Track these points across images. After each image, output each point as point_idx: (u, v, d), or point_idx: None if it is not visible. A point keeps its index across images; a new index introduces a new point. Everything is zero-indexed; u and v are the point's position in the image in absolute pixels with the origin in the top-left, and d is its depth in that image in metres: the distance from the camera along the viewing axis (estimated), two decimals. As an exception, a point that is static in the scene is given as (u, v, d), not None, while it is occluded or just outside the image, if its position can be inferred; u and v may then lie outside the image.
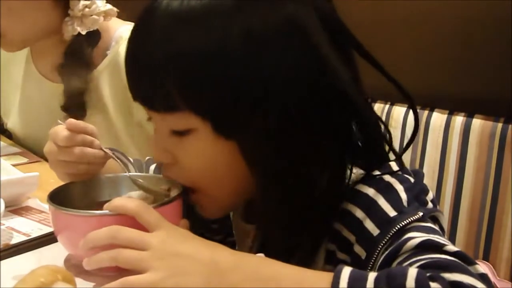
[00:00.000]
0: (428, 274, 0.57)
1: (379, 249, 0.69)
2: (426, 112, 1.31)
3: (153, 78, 0.72)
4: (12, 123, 1.62)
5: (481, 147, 1.21)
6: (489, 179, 1.20)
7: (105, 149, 0.88)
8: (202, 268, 0.63)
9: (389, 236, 0.68)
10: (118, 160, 0.89)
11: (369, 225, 0.72)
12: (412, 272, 0.57)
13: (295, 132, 0.72)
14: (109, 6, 1.38)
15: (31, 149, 1.58)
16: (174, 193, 0.81)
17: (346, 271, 0.60)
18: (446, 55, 1.35)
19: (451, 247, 0.63)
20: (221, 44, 0.69)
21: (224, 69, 0.70)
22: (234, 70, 0.70)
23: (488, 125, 1.21)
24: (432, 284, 0.56)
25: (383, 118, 0.86)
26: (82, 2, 1.34)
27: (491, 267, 1.20)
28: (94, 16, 1.35)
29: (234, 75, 0.70)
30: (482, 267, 0.61)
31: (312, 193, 0.75)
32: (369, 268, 0.69)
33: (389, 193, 0.74)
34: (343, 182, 0.77)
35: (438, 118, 1.29)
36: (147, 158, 1.08)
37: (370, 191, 0.75)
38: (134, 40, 0.76)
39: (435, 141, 1.28)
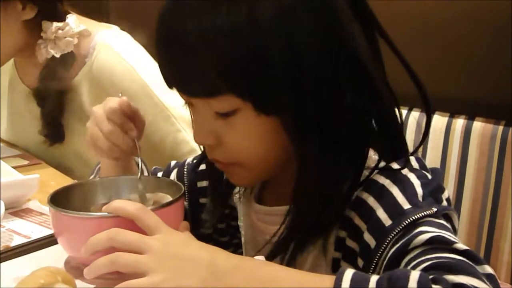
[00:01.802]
0: (431, 277, 0.57)
1: (389, 239, 0.69)
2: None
3: (192, 65, 0.73)
4: (2, 131, 1.61)
5: (481, 150, 1.21)
6: (489, 181, 1.20)
7: (137, 143, 0.88)
8: (201, 271, 0.62)
9: (400, 227, 0.68)
10: (141, 162, 0.89)
11: (382, 215, 0.72)
12: (415, 275, 0.57)
13: (328, 107, 0.73)
14: (82, 27, 1.36)
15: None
16: (175, 195, 0.81)
17: (349, 273, 0.60)
18: (446, 58, 1.35)
19: (460, 245, 0.63)
20: (253, 20, 0.70)
21: (258, 46, 0.70)
22: (267, 47, 0.70)
23: (488, 128, 1.21)
24: (434, 286, 0.56)
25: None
26: (55, 24, 1.32)
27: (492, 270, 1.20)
28: (68, 38, 1.33)
29: (268, 52, 0.70)
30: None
31: (345, 170, 0.76)
32: (377, 257, 0.70)
33: (405, 186, 0.74)
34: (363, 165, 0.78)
35: (438, 120, 1.28)
36: (154, 167, 1.08)
37: (386, 182, 0.75)
38: (166, 25, 0.75)
39: (435, 144, 1.28)
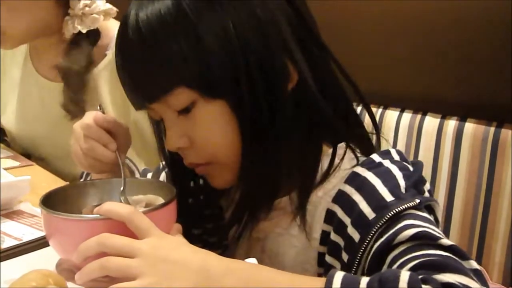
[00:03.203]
0: (420, 277, 0.57)
1: (372, 232, 0.70)
2: (418, 116, 1.32)
3: (142, 64, 0.77)
4: (7, 120, 1.63)
5: (473, 151, 1.22)
6: (481, 183, 1.21)
7: (118, 155, 0.88)
8: (192, 274, 0.62)
9: (384, 220, 0.69)
10: (124, 168, 0.89)
11: (365, 208, 0.73)
12: (404, 276, 0.57)
13: (263, 94, 0.76)
14: (108, 6, 1.41)
15: (24, 147, 1.60)
16: (167, 197, 0.80)
17: (339, 275, 0.60)
18: (438, 59, 1.36)
19: (445, 241, 0.64)
20: (182, 9, 0.75)
21: (195, 34, 0.75)
22: (203, 35, 0.75)
23: (480, 129, 1.21)
24: (424, 286, 0.56)
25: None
26: (82, 2, 1.37)
27: (484, 271, 1.21)
28: (94, 15, 1.38)
29: (204, 39, 0.75)
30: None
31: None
32: (361, 251, 0.70)
33: (387, 178, 0.75)
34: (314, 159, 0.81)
35: (430, 122, 1.29)
36: (143, 168, 1.08)
37: (369, 175, 0.76)
38: (119, 51, 0.81)
39: (427, 145, 1.28)
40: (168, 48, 0.75)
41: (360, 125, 0.85)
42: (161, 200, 0.83)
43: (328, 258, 0.79)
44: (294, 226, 0.83)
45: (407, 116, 1.32)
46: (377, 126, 0.87)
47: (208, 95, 0.77)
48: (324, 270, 0.81)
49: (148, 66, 0.77)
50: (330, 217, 0.79)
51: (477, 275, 0.60)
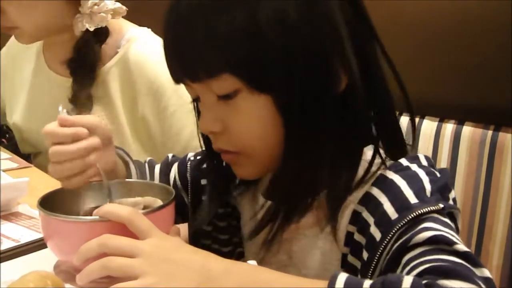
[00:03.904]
0: (424, 282, 0.57)
1: (393, 232, 0.69)
2: (416, 119, 1.32)
3: (192, 44, 0.75)
4: (16, 116, 1.66)
5: (471, 154, 1.22)
6: (479, 186, 1.21)
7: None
8: (194, 274, 0.63)
9: (405, 221, 0.69)
10: (119, 158, 0.89)
11: (389, 208, 0.72)
12: (407, 280, 0.57)
13: (314, 93, 0.75)
14: (118, 5, 1.45)
15: (32, 143, 1.63)
16: (165, 199, 0.81)
17: (342, 277, 0.60)
18: (435, 62, 1.36)
19: (461, 247, 0.63)
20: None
21: (251, 23, 0.73)
22: (261, 25, 0.73)
23: (478, 132, 1.21)
24: None
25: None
26: (91, 0, 1.41)
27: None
28: (102, 14, 1.42)
29: (261, 30, 0.73)
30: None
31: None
32: (380, 249, 0.70)
33: (413, 181, 0.74)
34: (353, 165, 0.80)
35: (428, 125, 1.29)
36: (148, 159, 1.08)
37: (395, 177, 0.76)
38: (173, 8, 0.78)
39: (425, 148, 1.28)
40: (222, 30, 0.73)
41: (400, 132, 0.84)
42: (159, 202, 0.83)
43: (350, 258, 0.79)
44: (320, 227, 0.82)
45: (405, 119, 1.33)
46: (415, 135, 0.86)
47: (254, 87, 0.75)
48: (345, 270, 0.79)
49: (198, 45, 0.75)
50: (355, 217, 0.78)
51: (488, 283, 0.59)
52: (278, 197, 0.82)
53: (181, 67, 0.79)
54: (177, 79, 0.81)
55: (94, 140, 0.85)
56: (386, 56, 0.81)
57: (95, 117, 0.91)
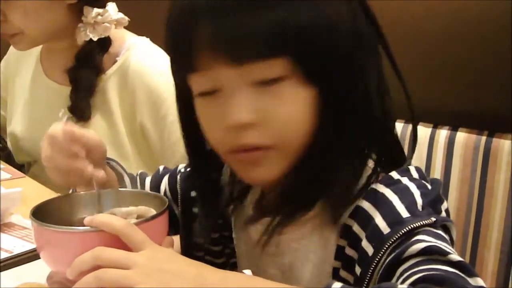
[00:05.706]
0: None
1: (386, 247, 0.69)
2: (410, 126, 1.32)
3: (250, 23, 0.70)
4: (14, 124, 1.65)
5: (465, 160, 1.22)
6: (473, 192, 1.21)
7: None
8: (189, 283, 0.62)
9: (398, 235, 0.68)
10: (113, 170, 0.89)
11: (381, 223, 0.72)
12: None
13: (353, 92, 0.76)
14: (121, 15, 1.45)
15: (29, 152, 1.62)
16: (158, 208, 0.80)
17: (336, 286, 0.60)
18: (430, 68, 1.36)
19: (454, 256, 0.63)
20: None
21: (318, 11, 0.72)
22: (330, 14, 0.73)
23: (472, 138, 1.21)
24: None
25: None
26: (95, 10, 1.41)
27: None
28: (106, 24, 1.42)
29: (328, 18, 0.73)
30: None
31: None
32: (373, 265, 0.69)
33: (405, 195, 0.74)
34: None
35: (422, 131, 1.29)
36: (140, 171, 1.07)
37: (387, 191, 0.75)
38: None
39: (419, 155, 1.28)
40: (284, 9, 0.70)
41: (398, 141, 0.84)
42: (152, 212, 0.83)
43: (342, 273, 0.78)
44: (311, 240, 0.81)
45: (398, 125, 1.33)
46: (415, 145, 0.85)
47: (307, 76, 0.73)
48: None
49: (257, 20, 0.70)
50: (345, 231, 0.77)
51: None
52: (284, 193, 0.80)
53: (221, 45, 0.71)
54: (201, 64, 0.73)
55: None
56: (393, 65, 0.83)
57: (95, 135, 0.90)
